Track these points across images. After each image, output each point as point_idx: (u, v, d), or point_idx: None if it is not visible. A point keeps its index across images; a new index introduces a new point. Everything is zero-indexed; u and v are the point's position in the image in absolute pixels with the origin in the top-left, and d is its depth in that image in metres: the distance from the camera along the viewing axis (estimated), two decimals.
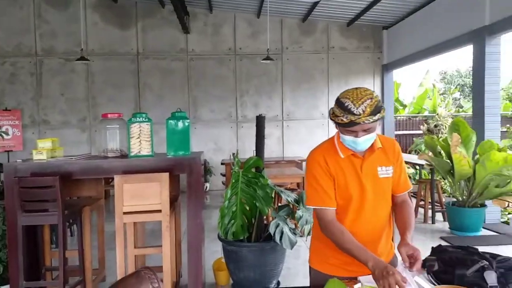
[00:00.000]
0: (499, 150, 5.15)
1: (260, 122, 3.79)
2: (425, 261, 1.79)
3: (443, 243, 2.45)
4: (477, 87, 6.05)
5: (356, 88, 1.65)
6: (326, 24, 9.40)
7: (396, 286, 1.42)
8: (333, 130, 9.21)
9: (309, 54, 9.43)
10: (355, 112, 1.58)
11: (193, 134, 9.04)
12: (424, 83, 12.21)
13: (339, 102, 1.64)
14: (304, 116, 9.16)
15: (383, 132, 9.38)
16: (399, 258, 1.61)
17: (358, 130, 1.63)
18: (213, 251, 4.42)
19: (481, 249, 1.83)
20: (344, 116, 1.60)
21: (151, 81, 9.16)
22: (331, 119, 1.68)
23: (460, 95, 17.48)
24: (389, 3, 7.87)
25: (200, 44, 9.23)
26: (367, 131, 1.64)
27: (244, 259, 3.33)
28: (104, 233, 3.74)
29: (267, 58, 7.80)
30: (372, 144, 1.74)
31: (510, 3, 5.40)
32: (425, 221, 5.94)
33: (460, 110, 12.75)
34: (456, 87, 16.49)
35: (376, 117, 1.60)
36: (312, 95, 9.28)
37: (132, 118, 3.10)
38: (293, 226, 3.56)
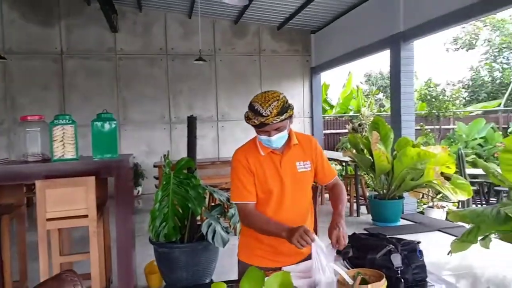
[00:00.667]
0: (414, 146, 5.64)
1: (191, 122, 3.82)
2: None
3: None
4: (394, 89, 6.58)
5: (265, 92, 1.82)
6: (257, 27, 9.62)
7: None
8: None
9: (242, 56, 9.58)
10: (263, 114, 1.74)
11: (124, 136, 8.77)
12: (347, 84, 12.95)
13: (250, 106, 1.80)
14: (239, 117, 9.29)
15: (312, 132, 9.81)
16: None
17: (270, 130, 1.79)
18: (147, 255, 4.34)
19: (400, 237, 2.05)
20: (255, 118, 1.76)
21: (77, 81, 8.73)
22: (246, 122, 1.83)
23: (383, 95, 18.75)
24: (315, 8, 8.26)
25: (130, 43, 8.97)
26: (278, 129, 1.80)
27: (176, 260, 3.34)
28: (25, 242, 3.52)
29: (200, 59, 7.81)
30: (289, 141, 1.92)
31: (421, 12, 5.94)
32: (351, 214, 6.33)
33: (382, 109, 13.71)
34: (378, 88, 17.71)
35: (283, 117, 1.76)
36: (247, 96, 9.36)
37: (55, 121, 2.97)
38: (226, 225, 3.64)
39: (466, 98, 16.29)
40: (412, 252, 1.86)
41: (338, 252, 1.96)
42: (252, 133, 1.91)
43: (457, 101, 12.25)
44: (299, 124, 9.82)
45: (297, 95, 9.88)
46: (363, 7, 7.57)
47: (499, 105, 13.48)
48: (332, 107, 13.28)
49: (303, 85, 9.97)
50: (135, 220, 4.04)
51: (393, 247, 1.84)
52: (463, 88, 16.30)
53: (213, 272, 3.57)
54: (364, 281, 1.61)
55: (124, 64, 8.94)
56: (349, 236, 2.08)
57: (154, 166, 7.35)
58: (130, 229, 3.18)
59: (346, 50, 8.18)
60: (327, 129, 11.46)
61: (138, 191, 8.79)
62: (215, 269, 3.62)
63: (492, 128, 11.28)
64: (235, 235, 4.08)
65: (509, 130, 11.18)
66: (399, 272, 1.76)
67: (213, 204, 5.15)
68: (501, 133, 11.12)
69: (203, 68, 9.21)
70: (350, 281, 1.56)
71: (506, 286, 3.75)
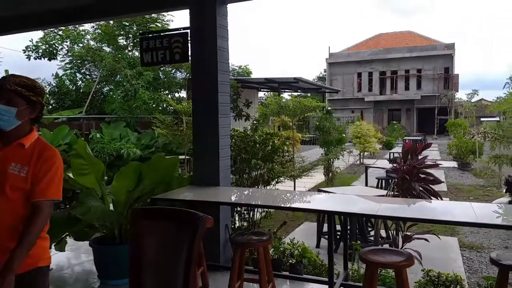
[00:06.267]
0: None
1: None
2: None
3: None
4: None
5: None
6: None
7: None
8: None
9: None
10: (6, 77, 1.84)
11: None
12: None
13: None
14: None
15: None
16: None
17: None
18: None
19: None
20: None
21: None
22: None
23: None
24: None
25: None
26: (6, 101, 1.80)
27: None
28: None
29: None
30: (18, 140, 1.89)
31: None
32: None
33: None
34: None
35: (19, 89, 1.81)
36: None
37: None
38: None
39: (53, 105, 16.46)
40: None
41: None
42: None
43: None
44: None
45: None
46: None
47: (80, 112, 14.62)
48: None
49: None
50: None
51: None
52: (49, 95, 16.34)
53: None
54: None
55: None
56: None
57: None
58: None
59: None
60: None
61: None
62: None
63: (75, 134, 12.02)
64: None
65: (90, 136, 12.29)
66: None
67: None
68: (83, 138, 12.03)
69: None
70: None
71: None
